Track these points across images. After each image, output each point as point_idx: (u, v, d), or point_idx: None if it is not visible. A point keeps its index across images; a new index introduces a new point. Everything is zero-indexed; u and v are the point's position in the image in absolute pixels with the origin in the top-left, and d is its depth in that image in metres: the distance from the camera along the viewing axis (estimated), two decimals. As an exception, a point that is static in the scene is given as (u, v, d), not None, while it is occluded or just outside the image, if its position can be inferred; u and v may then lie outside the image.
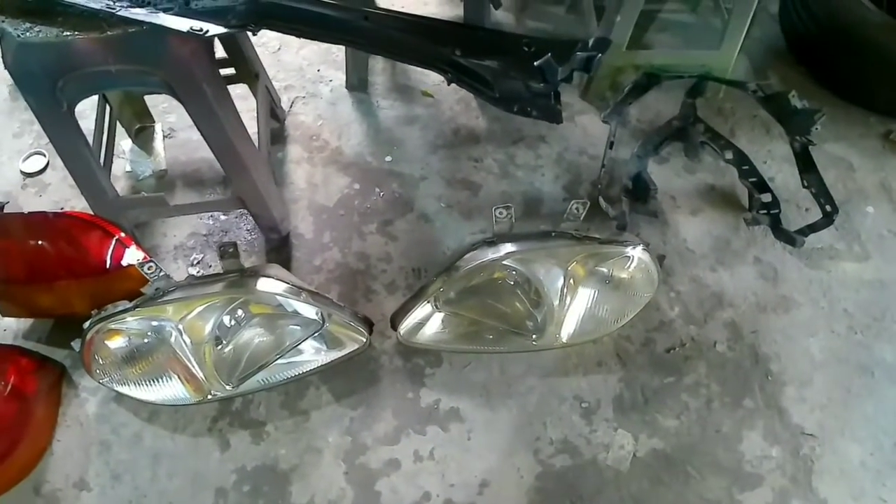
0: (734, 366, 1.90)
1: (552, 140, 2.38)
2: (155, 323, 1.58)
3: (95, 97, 1.94)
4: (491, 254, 1.58)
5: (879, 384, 1.88)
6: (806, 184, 2.09)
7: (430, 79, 2.52)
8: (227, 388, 1.67)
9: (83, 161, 1.65)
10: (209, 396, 1.69)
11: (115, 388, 1.67)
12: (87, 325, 1.53)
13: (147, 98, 2.26)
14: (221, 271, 1.59)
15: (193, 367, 1.62)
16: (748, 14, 2.23)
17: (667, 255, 2.05)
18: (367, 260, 2.07)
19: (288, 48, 2.63)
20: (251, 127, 1.84)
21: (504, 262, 1.63)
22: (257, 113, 2.03)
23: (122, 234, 1.76)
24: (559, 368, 1.88)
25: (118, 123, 2.11)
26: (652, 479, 1.72)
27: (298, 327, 1.73)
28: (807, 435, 1.79)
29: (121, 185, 2.19)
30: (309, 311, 1.67)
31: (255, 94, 2.09)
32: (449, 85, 1.50)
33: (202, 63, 1.49)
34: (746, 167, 2.21)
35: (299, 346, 1.71)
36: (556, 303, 1.68)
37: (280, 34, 1.58)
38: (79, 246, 1.75)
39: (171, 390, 1.67)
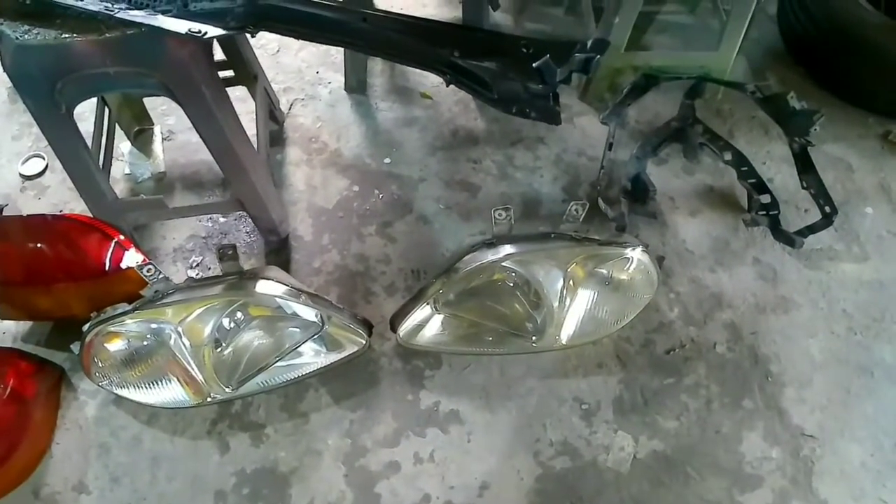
0: (734, 367, 1.90)
1: (551, 141, 2.38)
2: (154, 325, 1.57)
3: (94, 100, 1.94)
4: (490, 255, 1.58)
5: (879, 385, 1.88)
6: (805, 185, 2.09)
7: (429, 80, 2.52)
8: (227, 390, 1.67)
9: (82, 163, 1.65)
10: (208, 399, 1.69)
11: (115, 391, 1.67)
12: (86, 327, 1.52)
13: (146, 100, 2.25)
14: (221, 274, 1.59)
15: (193, 369, 1.61)
16: (747, 15, 2.23)
17: (666, 257, 2.05)
18: (367, 262, 2.07)
19: (287, 50, 2.63)
20: (250, 129, 1.84)
21: (503, 264, 1.63)
22: (256, 115, 2.03)
23: (121, 237, 1.76)
24: (559, 370, 1.88)
25: (117, 126, 2.10)
26: (652, 481, 1.72)
27: (298, 329, 1.73)
28: (807, 436, 1.79)
29: (120, 188, 2.19)
30: (308, 313, 1.67)
31: (253, 97, 2.09)
32: (448, 86, 1.49)
33: (201, 65, 1.49)
34: (745, 168, 2.22)
35: (299, 349, 1.71)
36: (556, 304, 1.68)
37: (279, 36, 1.58)
38: (78, 248, 1.75)
39: (170, 393, 1.67)
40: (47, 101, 1.43)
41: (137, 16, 1.31)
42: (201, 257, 2.06)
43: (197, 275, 2.03)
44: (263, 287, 1.55)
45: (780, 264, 2.10)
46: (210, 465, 1.71)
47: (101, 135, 1.92)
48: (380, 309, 1.97)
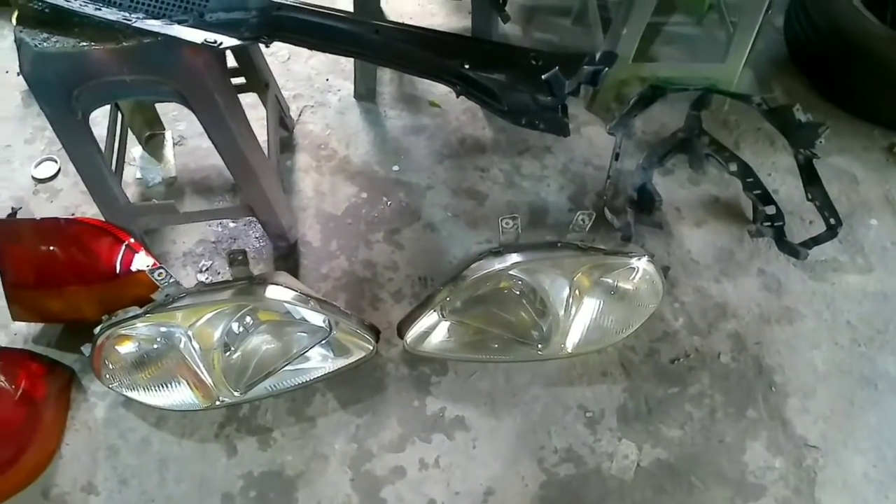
0: (738, 377, 1.91)
1: (558, 151, 2.40)
2: (164, 329, 1.59)
3: (107, 105, 1.96)
4: (497, 264, 1.59)
5: (882, 396, 1.89)
6: (810, 196, 2.10)
7: (437, 89, 2.53)
8: (235, 394, 1.69)
9: (95, 168, 1.68)
10: (217, 402, 1.71)
11: (124, 393, 1.69)
12: (97, 329, 1.54)
13: (157, 106, 2.27)
14: (230, 278, 1.61)
15: (202, 373, 1.63)
16: (754, 27, 2.24)
17: (671, 267, 2.07)
18: (374, 268, 2.09)
19: (297, 58, 2.66)
20: (261, 135, 1.86)
21: (510, 273, 1.64)
22: (267, 122, 2.05)
23: (132, 241, 1.78)
24: (564, 378, 1.89)
25: (129, 131, 2.12)
26: (655, 489, 1.73)
27: (306, 335, 1.74)
28: (810, 446, 1.80)
29: (131, 192, 2.21)
30: (316, 318, 1.68)
31: (264, 104, 2.11)
32: (458, 97, 1.51)
33: (215, 73, 1.51)
34: (751, 179, 2.22)
35: (306, 354, 1.73)
36: (562, 313, 1.69)
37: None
38: (89, 252, 1.77)
39: (179, 396, 1.69)
40: (64, 108, 1.45)
41: (155, 25, 1.34)
42: (211, 261, 2.08)
43: (207, 279, 2.05)
44: (272, 292, 1.57)
45: (785, 275, 2.11)
46: (217, 467, 1.73)
47: (114, 140, 1.94)
48: (387, 315, 1.99)
